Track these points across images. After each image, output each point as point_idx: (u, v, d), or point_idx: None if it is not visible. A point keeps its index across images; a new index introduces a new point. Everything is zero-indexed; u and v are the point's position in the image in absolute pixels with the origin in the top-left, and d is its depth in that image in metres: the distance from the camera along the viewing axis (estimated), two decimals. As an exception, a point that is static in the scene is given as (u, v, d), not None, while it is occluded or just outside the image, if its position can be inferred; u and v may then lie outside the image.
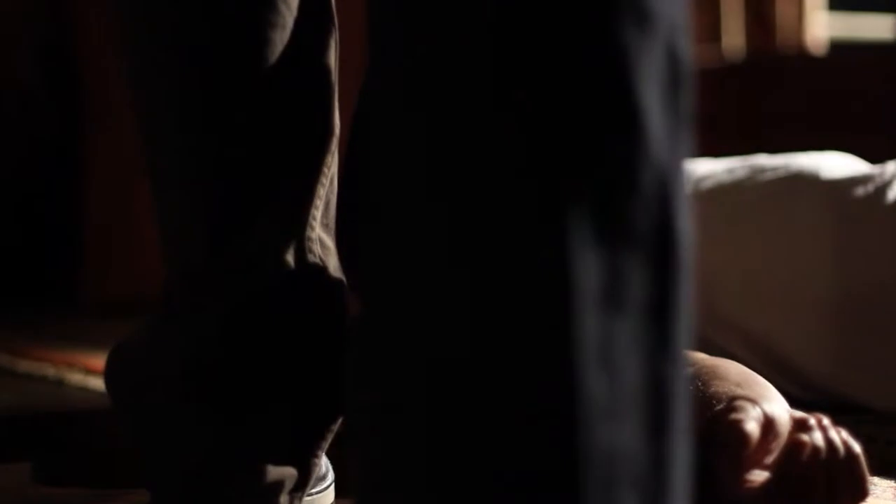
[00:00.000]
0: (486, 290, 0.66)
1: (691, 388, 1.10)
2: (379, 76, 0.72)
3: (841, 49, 3.17)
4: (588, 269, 0.66)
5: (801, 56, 2.99)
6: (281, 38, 1.00)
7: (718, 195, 1.45)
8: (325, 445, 1.04)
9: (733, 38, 3.05)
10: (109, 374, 1.09)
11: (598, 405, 0.65)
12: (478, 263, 0.67)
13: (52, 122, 2.81)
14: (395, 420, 0.68)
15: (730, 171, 1.49)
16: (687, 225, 0.69)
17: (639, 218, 0.67)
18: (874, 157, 1.57)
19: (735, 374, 1.10)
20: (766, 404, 1.03)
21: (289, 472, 1.01)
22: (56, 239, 2.81)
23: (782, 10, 3.04)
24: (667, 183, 0.68)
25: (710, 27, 2.99)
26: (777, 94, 2.83)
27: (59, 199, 2.81)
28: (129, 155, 2.58)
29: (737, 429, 1.00)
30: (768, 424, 1.01)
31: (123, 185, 2.67)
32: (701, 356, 1.17)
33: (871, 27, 3.27)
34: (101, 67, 2.66)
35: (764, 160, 1.49)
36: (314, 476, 1.04)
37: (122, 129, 2.62)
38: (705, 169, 1.50)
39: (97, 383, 1.74)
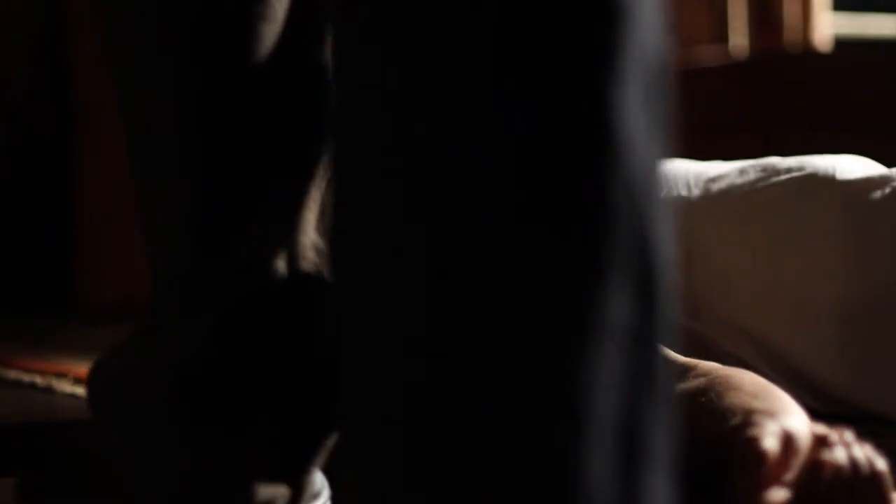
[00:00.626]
0: (462, 304, 0.64)
1: (703, 399, 1.05)
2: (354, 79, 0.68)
3: (847, 47, 3.18)
4: (560, 290, 0.63)
5: (807, 54, 2.99)
6: (271, 31, 0.96)
7: (730, 197, 1.40)
8: (319, 460, 1.00)
9: (739, 37, 3.06)
10: (94, 386, 1.04)
11: (569, 435, 0.63)
12: (455, 277, 0.65)
13: (44, 123, 2.78)
14: (376, 430, 0.67)
15: (742, 172, 1.43)
16: (666, 242, 0.66)
17: (614, 237, 0.65)
18: (881, 157, 1.53)
19: (750, 384, 1.06)
20: (784, 418, 0.98)
21: (280, 491, 0.97)
22: (48, 241, 2.78)
23: (788, 10, 3.06)
24: (643, 198, 0.65)
25: (715, 27, 3.01)
26: (783, 92, 2.82)
27: (52, 201, 2.78)
28: (123, 156, 2.57)
29: (754, 446, 0.95)
30: (788, 441, 0.96)
31: (117, 185, 2.63)
32: (713, 366, 1.12)
33: (877, 26, 3.26)
34: (94, 67, 2.61)
35: (777, 161, 1.43)
36: (308, 493, 0.99)
37: (115, 129, 2.62)
38: (716, 170, 1.44)
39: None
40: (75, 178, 2.71)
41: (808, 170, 1.40)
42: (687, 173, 1.44)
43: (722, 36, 3.02)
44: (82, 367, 1.84)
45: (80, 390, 1.72)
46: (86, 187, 2.70)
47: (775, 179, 1.41)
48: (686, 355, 1.16)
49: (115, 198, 2.61)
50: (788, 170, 1.42)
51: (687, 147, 3.06)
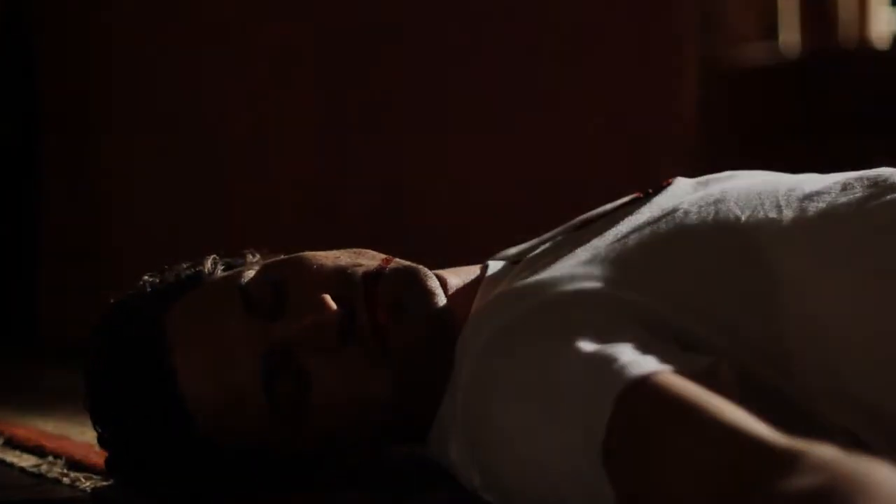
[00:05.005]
0: None
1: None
2: None
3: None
4: None
5: (864, 52, 2.97)
6: None
7: (833, 221, 1.08)
8: None
9: (790, 34, 2.99)
10: None
11: None
12: None
13: (7, 127, 2.71)
14: None
15: (845, 187, 1.11)
16: None
17: None
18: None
19: (890, 488, 0.79)
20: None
21: None
22: (8, 268, 2.65)
23: (843, 4, 3.01)
24: None
25: (765, 23, 2.96)
26: (838, 93, 2.80)
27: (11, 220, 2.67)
28: (89, 165, 2.47)
29: None
30: None
31: (85, 195, 2.49)
32: (829, 455, 0.84)
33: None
34: (59, 66, 2.56)
35: (890, 172, 1.12)
36: None
37: (79, 131, 2.59)
38: (812, 186, 1.12)
39: (17, 458, 1.46)
40: (38, 189, 2.59)
41: (935, 182, 1.09)
42: (776, 189, 1.13)
43: (772, 33, 2.95)
44: (21, 427, 1.63)
45: (12, 457, 1.47)
46: (50, 198, 2.59)
47: (891, 196, 1.09)
48: (777, 429, 0.88)
49: (83, 212, 2.52)
50: (906, 182, 1.10)
51: (737, 153, 2.85)
